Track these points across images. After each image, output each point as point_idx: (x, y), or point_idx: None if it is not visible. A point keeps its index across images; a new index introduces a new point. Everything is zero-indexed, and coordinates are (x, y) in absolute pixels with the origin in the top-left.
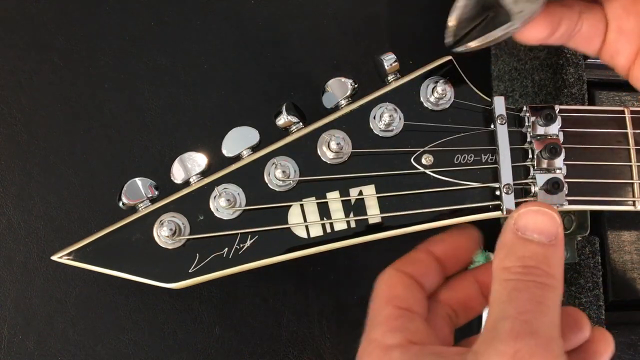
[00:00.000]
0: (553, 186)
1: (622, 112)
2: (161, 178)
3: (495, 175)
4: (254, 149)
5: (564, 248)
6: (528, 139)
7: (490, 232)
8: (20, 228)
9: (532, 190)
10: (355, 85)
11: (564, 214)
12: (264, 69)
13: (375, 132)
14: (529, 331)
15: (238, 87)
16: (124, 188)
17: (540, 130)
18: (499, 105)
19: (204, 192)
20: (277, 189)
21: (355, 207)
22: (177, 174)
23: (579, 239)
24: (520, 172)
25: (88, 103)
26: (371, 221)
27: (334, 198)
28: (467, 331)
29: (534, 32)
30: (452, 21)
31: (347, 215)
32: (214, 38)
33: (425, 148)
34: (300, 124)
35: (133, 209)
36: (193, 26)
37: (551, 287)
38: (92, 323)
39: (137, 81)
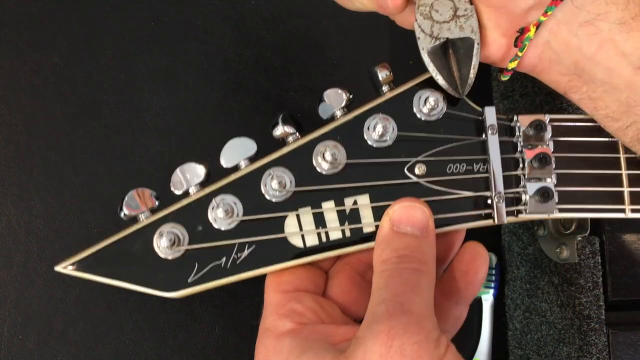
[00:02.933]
0: (543, 195)
1: None
2: (161, 178)
3: (486, 184)
4: (252, 159)
5: (434, 238)
6: (519, 149)
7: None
8: (20, 228)
9: (523, 199)
10: (350, 96)
11: None
12: (264, 69)
13: (370, 142)
14: (401, 310)
15: (238, 87)
16: (125, 199)
17: (531, 139)
18: (490, 115)
19: (203, 203)
20: (273, 200)
21: (350, 217)
22: (177, 185)
23: (579, 239)
24: (512, 181)
25: (88, 103)
26: (366, 230)
27: (329, 208)
28: (467, 327)
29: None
30: (445, 85)
31: (342, 224)
32: (214, 38)
33: (418, 158)
34: (297, 134)
35: (134, 219)
36: (193, 26)
37: (424, 273)
38: (92, 323)
39: (137, 81)
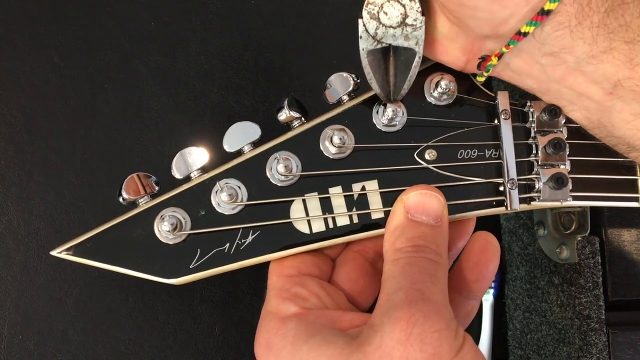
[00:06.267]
0: (557, 181)
1: None
2: (161, 177)
3: (499, 171)
4: (256, 144)
5: (448, 228)
6: (532, 134)
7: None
8: (20, 228)
9: (536, 186)
10: (358, 80)
11: (564, 214)
12: (264, 69)
13: (378, 127)
14: (421, 298)
15: (238, 87)
16: (124, 183)
17: (545, 125)
18: (503, 100)
19: (205, 187)
20: (279, 184)
21: (358, 203)
22: (178, 169)
23: (579, 239)
24: (524, 168)
25: (88, 103)
26: (374, 216)
27: (336, 193)
28: (468, 327)
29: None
30: (377, 89)
31: (349, 210)
32: (214, 38)
33: (429, 143)
34: (302, 119)
35: (133, 204)
36: (193, 26)
37: (439, 264)
38: (92, 323)
39: (137, 81)
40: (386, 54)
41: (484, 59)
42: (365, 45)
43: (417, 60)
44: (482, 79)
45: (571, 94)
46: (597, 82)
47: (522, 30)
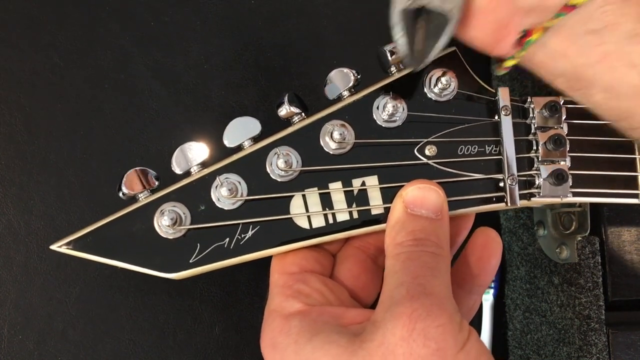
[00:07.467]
0: (557, 178)
1: None
2: (161, 177)
3: (499, 167)
4: (256, 139)
5: (448, 222)
6: (532, 130)
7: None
8: (20, 228)
9: (536, 182)
10: (358, 76)
11: (564, 214)
12: (264, 69)
13: (379, 122)
14: (423, 292)
15: (238, 87)
16: (124, 178)
17: (545, 121)
18: (504, 96)
19: (205, 182)
20: (279, 179)
21: (358, 198)
22: (178, 164)
23: (579, 239)
24: (525, 164)
25: (88, 103)
26: (374, 212)
27: (336, 189)
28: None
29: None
30: (404, 50)
31: (349, 206)
32: (214, 38)
33: (429, 139)
34: (302, 114)
35: (133, 199)
36: (193, 26)
37: (441, 256)
38: (92, 323)
39: (137, 81)
40: (418, 16)
41: (525, 33)
42: (399, 3)
43: (449, 28)
44: (510, 64)
45: (607, 79)
46: (636, 65)
47: (571, 3)
